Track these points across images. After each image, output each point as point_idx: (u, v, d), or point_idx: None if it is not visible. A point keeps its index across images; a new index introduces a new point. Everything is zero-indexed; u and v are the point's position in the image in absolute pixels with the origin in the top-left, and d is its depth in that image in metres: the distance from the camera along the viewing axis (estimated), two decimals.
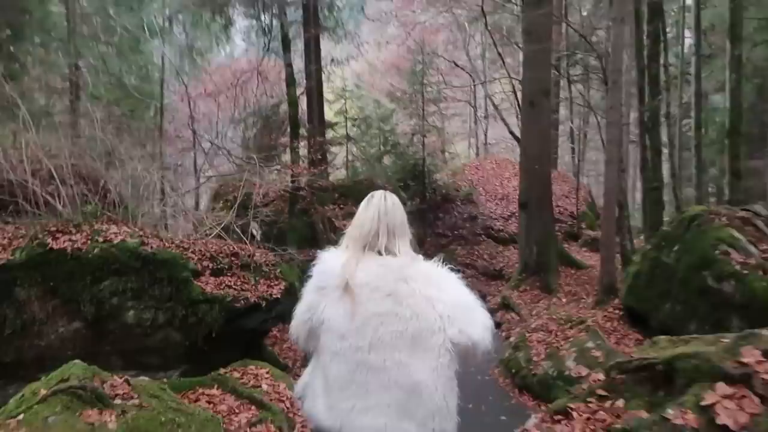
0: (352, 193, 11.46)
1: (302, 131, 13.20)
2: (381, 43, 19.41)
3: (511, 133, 26.16)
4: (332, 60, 13.89)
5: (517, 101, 24.37)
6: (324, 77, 13.87)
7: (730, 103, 14.99)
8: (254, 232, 10.58)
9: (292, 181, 7.83)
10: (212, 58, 18.38)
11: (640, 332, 6.00)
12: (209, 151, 12.35)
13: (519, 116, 23.87)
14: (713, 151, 17.65)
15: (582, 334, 6.27)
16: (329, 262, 1.90)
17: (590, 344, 5.91)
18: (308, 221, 10.39)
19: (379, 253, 1.86)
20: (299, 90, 11.83)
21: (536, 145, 12.09)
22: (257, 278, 5.41)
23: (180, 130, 15.40)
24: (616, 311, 6.66)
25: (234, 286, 5.14)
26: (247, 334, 5.23)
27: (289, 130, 10.81)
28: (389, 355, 1.72)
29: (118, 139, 8.68)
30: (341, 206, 11.06)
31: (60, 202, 5.54)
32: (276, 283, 5.55)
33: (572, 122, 21.19)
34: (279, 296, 5.37)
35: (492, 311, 11.76)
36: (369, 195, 2.05)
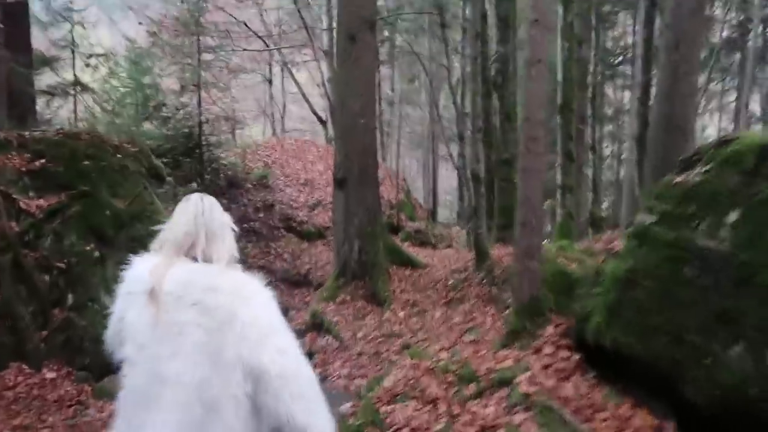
0: (59, 154, 6.64)
1: None
2: None
3: (314, 113, 22.78)
4: None
5: (322, 75, 21.03)
6: None
7: (562, 76, 13.36)
8: None
9: None
10: None
11: (654, 409, 2.66)
12: None
13: (322, 85, 20.49)
14: None
15: (525, 415, 2.73)
16: (138, 266, 1.74)
17: None
18: None
19: (195, 259, 1.70)
20: None
21: (358, 96, 8.55)
22: None
23: None
24: (564, 351, 3.29)
25: None
26: None
27: None
28: (188, 369, 1.57)
29: None
30: (35, 172, 6.23)
31: None
32: None
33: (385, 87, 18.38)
34: None
35: (298, 333, 8.01)
36: (185, 197, 1.82)
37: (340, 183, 8.69)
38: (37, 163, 6.49)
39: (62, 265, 6.23)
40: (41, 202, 6.39)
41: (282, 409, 1.56)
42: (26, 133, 6.76)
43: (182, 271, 1.67)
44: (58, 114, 9.67)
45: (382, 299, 8.22)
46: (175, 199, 14.33)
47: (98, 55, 10.04)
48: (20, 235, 6.10)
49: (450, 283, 8.24)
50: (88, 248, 6.48)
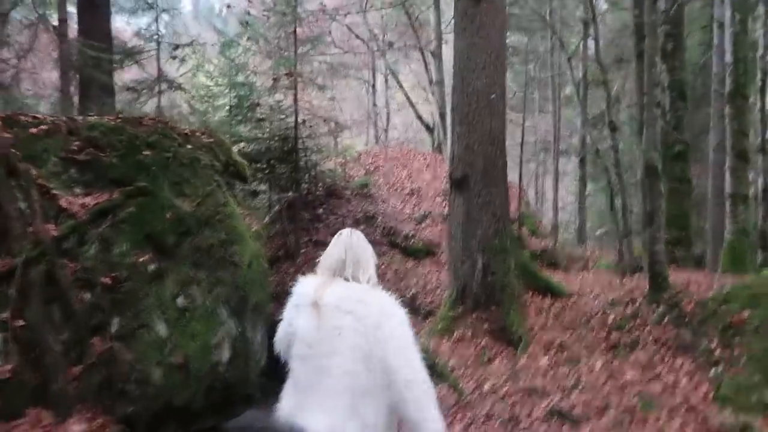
0: (114, 142, 5.36)
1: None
2: None
3: (420, 118, 21.18)
4: None
5: (429, 75, 19.39)
6: None
7: (732, 56, 10.61)
8: None
9: None
10: None
11: None
12: None
13: (430, 87, 18.81)
14: None
15: None
16: (303, 284, 2.25)
17: None
18: None
19: (347, 279, 2.17)
20: None
21: (482, 71, 6.68)
22: None
23: None
24: None
25: None
26: None
27: None
28: (344, 363, 1.99)
29: None
30: (81, 161, 4.98)
31: None
32: None
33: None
34: None
35: None
36: (339, 232, 2.35)
37: (458, 183, 6.80)
38: (85, 153, 5.22)
39: (108, 281, 4.84)
40: (87, 200, 5.08)
41: (403, 407, 1.95)
42: (79, 117, 5.56)
43: (339, 287, 2.14)
44: (143, 113, 8.73)
45: (516, 337, 6.18)
46: (269, 210, 13.20)
47: (184, 45, 9.00)
48: (58, 241, 4.80)
49: (611, 319, 6.03)
50: (142, 260, 5.07)
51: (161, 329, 5.01)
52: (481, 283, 6.64)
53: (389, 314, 2.05)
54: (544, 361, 5.66)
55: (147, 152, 5.47)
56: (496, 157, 6.76)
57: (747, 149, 10.49)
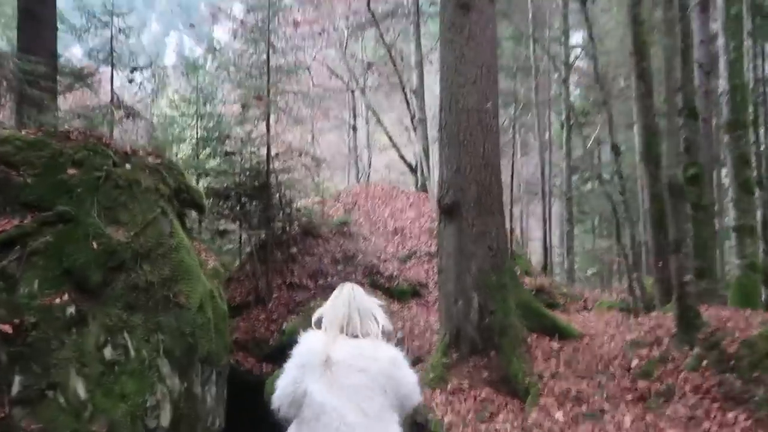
0: (31, 159, 4.40)
1: None
2: None
3: (402, 157, 20.50)
4: None
5: (411, 112, 18.84)
6: None
7: (728, 82, 10.10)
8: None
9: None
10: None
11: None
12: None
13: (413, 124, 18.20)
14: None
15: None
16: (310, 342, 2.22)
17: None
18: None
19: (354, 336, 2.21)
20: None
21: (473, 85, 5.92)
22: None
23: None
24: None
25: None
26: None
27: None
28: (359, 420, 2.04)
29: None
30: None
31: None
32: None
33: None
34: None
35: None
36: (339, 286, 2.40)
37: (449, 211, 5.92)
38: None
39: (8, 329, 3.80)
40: None
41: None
42: None
43: (348, 345, 2.17)
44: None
45: (522, 387, 5.18)
46: (240, 251, 12.13)
47: (142, 68, 8.13)
48: None
49: (635, 364, 5.05)
50: (57, 301, 4.06)
51: (79, 389, 3.95)
52: (478, 325, 5.68)
53: (398, 366, 2.18)
54: (558, 415, 4.64)
55: (72, 171, 4.52)
56: (490, 183, 5.91)
57: (750, 180, 9.82)
